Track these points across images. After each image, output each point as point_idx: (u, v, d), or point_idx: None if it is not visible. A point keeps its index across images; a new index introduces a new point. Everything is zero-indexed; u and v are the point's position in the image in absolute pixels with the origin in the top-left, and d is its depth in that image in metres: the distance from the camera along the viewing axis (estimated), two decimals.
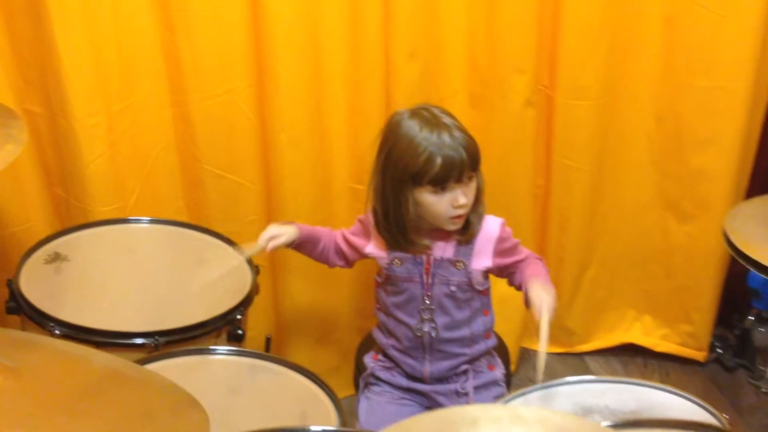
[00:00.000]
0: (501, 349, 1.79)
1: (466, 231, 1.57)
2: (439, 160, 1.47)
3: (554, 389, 1.44)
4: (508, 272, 1.63)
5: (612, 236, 2.38)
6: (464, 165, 1.48)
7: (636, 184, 2.30)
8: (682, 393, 1.37)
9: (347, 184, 2.04)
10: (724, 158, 2.16)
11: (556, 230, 2.35)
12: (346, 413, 1.37)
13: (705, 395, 2.33)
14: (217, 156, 1.99)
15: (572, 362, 2.49)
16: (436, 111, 1.53)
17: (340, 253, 1.68)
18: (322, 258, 1.69)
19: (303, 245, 1.66)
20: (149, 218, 1.86)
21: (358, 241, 1.65)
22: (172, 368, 1.43)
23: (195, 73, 1.89)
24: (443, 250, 1.57)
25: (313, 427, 1.13)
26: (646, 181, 2.29)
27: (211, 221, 2.05)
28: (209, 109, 1.93)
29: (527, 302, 1.55)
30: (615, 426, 1.17)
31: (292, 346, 2.21)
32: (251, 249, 1.61)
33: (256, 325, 2.16)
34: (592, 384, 1.45)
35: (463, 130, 1.51)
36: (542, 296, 1.50)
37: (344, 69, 1.94)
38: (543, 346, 1.40)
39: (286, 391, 1.42)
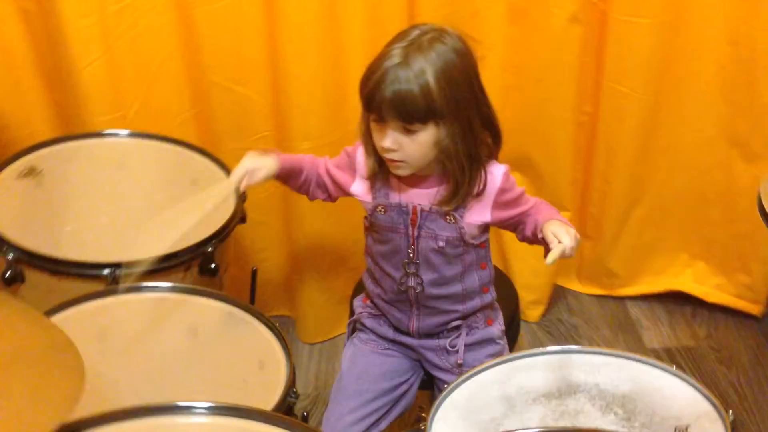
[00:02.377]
0: (509, 300, 1.63)
1: (454, 190, 1.32)
2: (370, 83, 1.24)
3: (546, 357, 1.28)
4: (512, 225, 1.42)
5: (667, 173, 2.13)
6: (383, 105, 1.23)
7: (699, 116, 2.03)
8: (688, 379, 1.18)
9: None
10: None
11: (602, 163, 2.12)
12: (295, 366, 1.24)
13: (757, 352, 2.16)
14: (225, 66, 1.85)
15: (611, 306, 2.30)
16: (425, 38, 1.26)
17: (321, 185, 1.48)
18: (302, 190, 1.50)
19: (285, 177, 1.46)
20: (141, 132, 1.72)
21: (341, 176, 1.44)
22: (126, 304, 1.33)
23: None
24: (433, 199, 1.36)
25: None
26: (711, 114, 2.02)
27: (220, 136, 1.93)
28: (214, 14, 1.78)
29: (545, 243, 1.31)
30: None
31: (305, 275, 2.10)
32: (222, 190, 1.38)
33: (268, 251, 2.09)
34: (585, 355, 1.27)
35: (434, 74, 1.22)
36: (561, 231, 1.28)
37: None
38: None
39: (243, 337, 1.30)
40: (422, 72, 1.22)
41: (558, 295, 2.32)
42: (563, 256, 1.26)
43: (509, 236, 2.01)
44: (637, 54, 1.92)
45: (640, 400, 1.17)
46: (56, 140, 1.64)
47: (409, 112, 1.23)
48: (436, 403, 1.19)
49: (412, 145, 1.26)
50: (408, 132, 1.26)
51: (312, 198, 1.50)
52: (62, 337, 0.90)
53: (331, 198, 1.49)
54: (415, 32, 1.28)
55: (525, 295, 2.23)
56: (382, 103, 1.23)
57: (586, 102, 2.03)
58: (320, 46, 1.78)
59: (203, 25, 1.78)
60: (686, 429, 1.09)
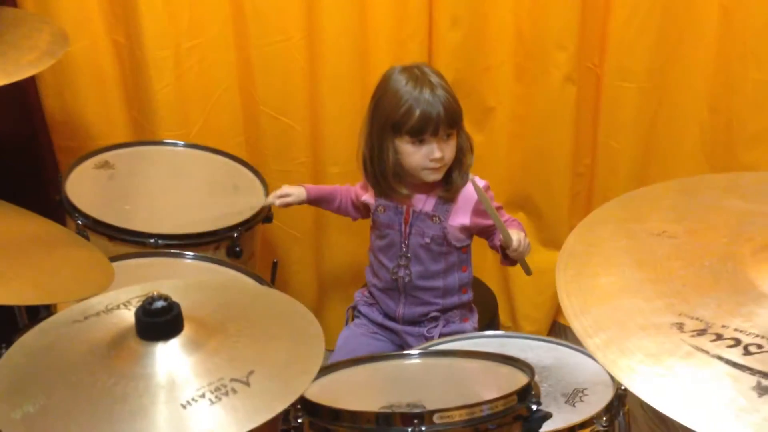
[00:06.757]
0: (488, 307, 1.89)
1: (448, 187, 1.67)
2: (417, 113, 1.59)
3: (492, 339, 1.54)
4: (486, 233, 1.72)
5: None
6: (440, 120, 1.59)
7: (685, 174, 2.27)
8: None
9: None
10: None
11: None
12: None
13: None
14: (273, 99, 2.19)
15: None
16: (426, 70, 1.64)
17: (355, 206, 1.86)
18: (341, 212, 1.90)
19: (317, 203, 1.89)
20: (196, 144, 2.10)
21: (361, 192, 1.80)
22: (153, 264, 1.67)
23: (256, 20, 2.10)
24: (423, 203, 1.69)
25: None
26: (695, 173, 2.25)
27: (266, 159, 2.26)
28: (267, 55, 2.14)
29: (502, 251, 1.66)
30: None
31: (329, 287, 2.41)
32: (256, 203, 1.86)
33: (301, 264, 2.39)
34: (524, 340, 1.53)
35: (447, 90, 1.62)
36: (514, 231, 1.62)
37: (387, 27, 2.08)
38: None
39: None
40: (444, 89, 1.61)
41: (559, 332, 2.54)
42: (514, 253, 1.59)
43: (514, 271, 2.31)
44: (625, 114, 2.19)
45: (555, 370, 1.42)
46: (128, 144, 2.04)
47: (454, 118, 1.62)
48: None
49: (450, 149, 1.63)
50: (448, 138, 1.62)
51: (354, 218, 1.90)
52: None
53: (365, 216, 1.85)
54: (415, 71, 1.64)
55: (525, 326, 2.47)
56: (439, 119, 1.59)
57: (586, 155, 2.31)
58: (350, 85, 2.13)
59: (257, 63, 2.15)
60: (583, 390, 1.34)
